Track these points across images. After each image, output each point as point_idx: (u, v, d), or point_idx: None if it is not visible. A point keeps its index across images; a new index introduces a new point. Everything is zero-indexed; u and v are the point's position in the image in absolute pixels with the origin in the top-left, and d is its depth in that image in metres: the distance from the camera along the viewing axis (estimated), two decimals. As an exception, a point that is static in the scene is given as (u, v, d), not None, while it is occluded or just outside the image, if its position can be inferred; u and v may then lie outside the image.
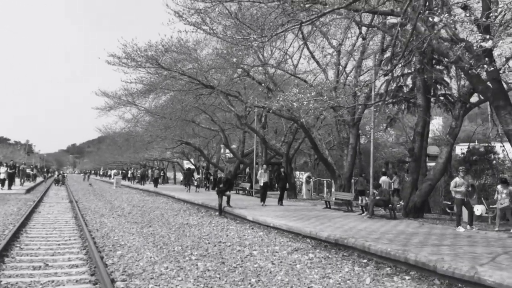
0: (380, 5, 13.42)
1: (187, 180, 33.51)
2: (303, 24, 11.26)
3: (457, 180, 12.46)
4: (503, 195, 12.54)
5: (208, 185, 33.76)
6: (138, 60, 20.05)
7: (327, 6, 10.33)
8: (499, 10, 12.62)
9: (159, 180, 42.78)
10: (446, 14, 9.61)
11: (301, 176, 31.23)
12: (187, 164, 55.67)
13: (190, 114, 28.47)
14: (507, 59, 16.04)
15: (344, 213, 16.62)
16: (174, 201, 25.16)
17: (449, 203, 17.18)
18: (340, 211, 17.37)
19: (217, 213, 17.05)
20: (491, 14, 11.65)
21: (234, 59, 16.52)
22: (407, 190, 16.18)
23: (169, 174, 60.75)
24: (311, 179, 28.32)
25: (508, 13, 12.04)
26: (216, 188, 17.46)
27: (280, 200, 19.93)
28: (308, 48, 19.17)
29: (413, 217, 15.34)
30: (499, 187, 12.84)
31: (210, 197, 18.41)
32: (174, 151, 47.94)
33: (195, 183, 35.33)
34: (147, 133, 36.47)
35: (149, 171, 51.56)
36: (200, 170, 39.60)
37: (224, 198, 16.99)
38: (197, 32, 14.38)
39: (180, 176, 49.50)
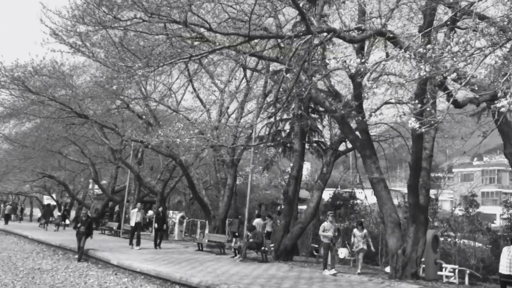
0: (266, 50, 13.95)
1: (46, 218, 30.03)
2: (191, 59, 11.09)
3: (325, 224, 13.06)
4: (359, 238, 13.47)
5: (64, 223, 30.52)
6: (1, 80, 17.78)
7: (217, 44, 10.31)
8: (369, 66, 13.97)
9: (11, 217, 37.69)
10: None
11: (175, 216, 30.18)
12: (47, 200, 50.30)
13: (57, 145, 25.84)
14: (370, 114, 17.80)
15: (216, 256, 16.27)
16: (27, 241, 22.13)
17: (317, 246, 17.96)
18: (213, 253, 16.98)
19: (76, 256, 15.23)
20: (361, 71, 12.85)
21: (114, 87, 15.56)
22: (279, 233, 16.51)
23: (27, 210, 54.25)
24: (185, 219, 27.50)
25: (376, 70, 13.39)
26: (76, 228, 15.59)
27: (159, 242, 18.37)
28: (193, 86, 19.06)
29: (283, 260, 15.62)
30: (355, 230, 13.76)
31: (71, 237, 16.55)
32: (34, 185, 43.01)
33: (56, 221, 31.82)
34: (3, 162, 32.19)
35: (1, 205, 45.33)
36: (62, 207, 35.95)
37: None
38: (75, 55, 13.26)
39: (38, 213, 44.37)
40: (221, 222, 20.04)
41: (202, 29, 10.02)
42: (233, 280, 10.26)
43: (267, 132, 19.40)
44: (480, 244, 13.86)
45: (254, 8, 8.64)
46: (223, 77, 19.63)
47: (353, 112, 13.25)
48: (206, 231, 21.43)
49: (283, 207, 26.73)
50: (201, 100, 19.54)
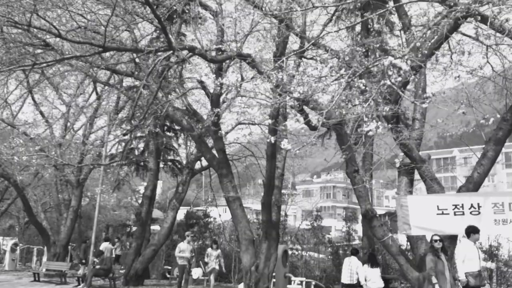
0: (120, 64, 13.27)
1: None
2: (34, 68, 9.91)
3: (181, 245, 12.80)
4: (212, 258, 13.53)
5: None
6: None
7: (66, 53, 9.41)
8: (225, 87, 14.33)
9: None
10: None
11: (6, 243, 26.35)
12: None
13: None
14: (227, 133, 18.21)
15: (56, 286, 14.69)
16: None
17: (170, 267, 17.49)
18: (52, 283, 15.28)
19: None
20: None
21: None
22: (130, 256, 15.64)
23: None
24: (18, 247, 24.20)
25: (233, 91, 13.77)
26: None
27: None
28: (33, 98, 17.05)
29: (134, 285, 14.83)
30: (209, 250, 13.81)
31: None
32: None
33: None
34: None
35: None
36: None
37: None
38: None
39: None
40: (63, 248, 18.15)
41: (48, 36, 9.05)
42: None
43: (120, 150, 18.38)
44: (323, 256, 15.11)
45: (111, 18, 8.09)
46: (70, 90, 18.04)
47: (211, 129, 13.36)
48: (44, 258, 19.16)
49: (134, 228, 25.49)
50: (42, 114, 17.58)
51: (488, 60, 8.87)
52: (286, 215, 17.19)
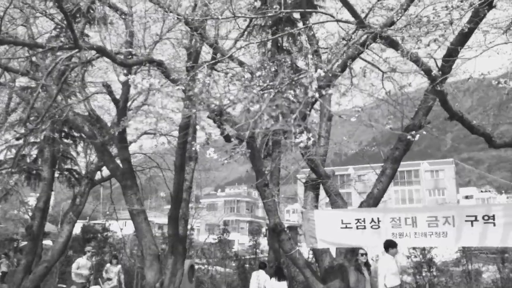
0: (13, 61, 12.07)
1: None
2: None
3: (80, 260, 11.76)
4: (112, 274, 12.64)
5: None
6: None
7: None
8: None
9: None
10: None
11: None
12: None
13: None
14: (131, 142, 17.37)
15: None
16: None
17: (64, 286, 16.07)
18: None
19: None
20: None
21: None
22: (19, 274, 14.05)
23: None
24: None
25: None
26: None
27: None
28: None
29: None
30: (108, 265, 12.91)
31: None
32: None
33: None
34: None
35: None
36: None
37: None
38: None
39: None
40: None
41: None
42: None
43: (9, 156, 16.57)
44: (229, 270, 14.95)
45: (8, 7, 7.25)
46: None
47: (116, 138, 12.62)
48: None
49: (23, 243, 23.08)
50: None
51: (384, 85, 9.47)
52: (192, 228, 16.77)
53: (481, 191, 76.02)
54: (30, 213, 31.41)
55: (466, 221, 8.41)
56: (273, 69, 7.72)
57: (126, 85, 12.72)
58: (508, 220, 8.02)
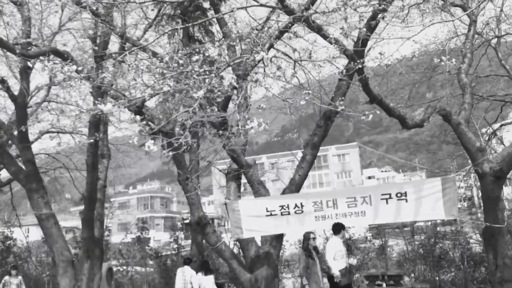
0: None
1: None
2: None
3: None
4: (13, 287, 11.64)
5: None
6: None
7: None
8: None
9: None
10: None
11: None
12: None
13: None
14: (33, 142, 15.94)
15: None
16: None
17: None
18: None
19: None
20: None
21: None
22: None
23: None
24: None
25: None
26: None
27: None
28: None
29: None
30: (7, 278, 11.81)
31: None
32: None
33: None
34: None
35: None
36: None
37: None
38: None
39: None
40: None
41: None
42: None
43: None
44: (150, 269, 14.40)
45: None
46: None
47: (16, 137, 11.41)
48: None
49: None
50: None
51: (296, 74, 9.62)
52: (108, 229, 15.85)
53: (382, 171, 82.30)
54: None
55: (381, 199, 8.92)
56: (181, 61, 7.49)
57: (25, 80, 11.57)
58: (418, 195, 8.64)
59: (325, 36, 6.44)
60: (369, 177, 71.26)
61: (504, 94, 14.24)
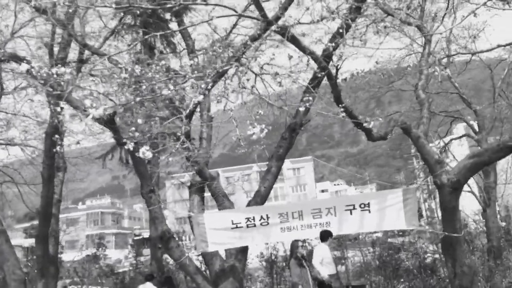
0: None
1: None
2: None
3: None
4: None
5: None
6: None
7: None
8: None
9: None
10: None
11: None
12: None
13: None
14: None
15: None
16: None
17: None
18: None
19: None
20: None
21: None
22: None
23: None
24: None
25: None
26: None
27: None
28: None
29: None
30: None
31: None
32: None
33: None
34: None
35: None
36: None
37: None
38: None
39: None
40: None
41: None
42: None
43: None
44: (107, 287, 13.82)
45: None
46: None
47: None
48: None
49: None
50: None
51: (255, 86, 9.67)
52: (61, 246, 15.08)
53: (334, 185, 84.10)
54: None
55: (345, 210, 9.10)
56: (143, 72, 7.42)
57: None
58: (380, 206, 8.90)
59: (299, 47, 6.56)
60: (322, 191, 72.61)
61: (454, 110, 15.08)
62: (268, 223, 9.40)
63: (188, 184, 11.78)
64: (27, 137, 16.79)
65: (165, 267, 13.97)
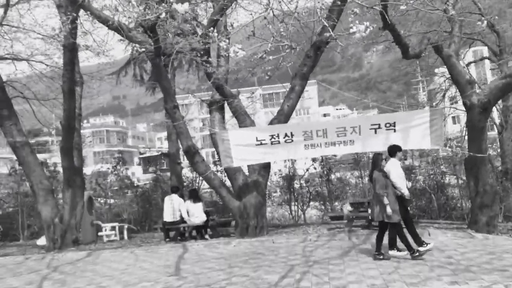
0: None
1: None
2: None
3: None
4: None
5: None
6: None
7: None
8: None
9: None
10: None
11: None
12: None
13: None
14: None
15: None
16: None
17: None
18: None
19: None
20: None
21: None
22: None
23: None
24: None
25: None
26: None
27: None
28: None
29: None
30: None
31: None
32: None
33: None
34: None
35: None
36: None
37: None
38: None
39: None
40: None
41: None
42: None
43: None
44: (127, 200, 14.27)
45: None
46: None
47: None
48: None
49: None
50: None
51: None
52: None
53: (337, 109, 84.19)
54: None
55: (370, 129, 9.17)
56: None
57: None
58: (406, 126, 8.94)
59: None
60: (324, 115, 72.76)
61: (475, 32, 14.61)
62: (292, 140, 9.52)
63: (208, 101, 11.75)
64: (33, 52, 16.47)
65: (184, 181, 14.37)
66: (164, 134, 69.14)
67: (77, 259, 9.10)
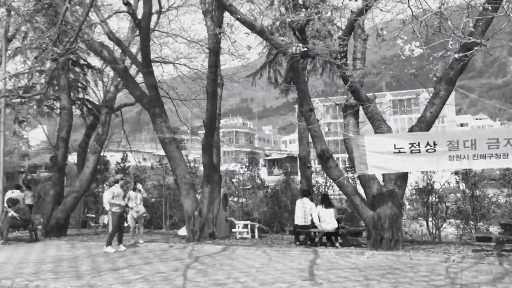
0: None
1: None
2: None
3: (114, 190, 11.01)
4: (138, 201, 11.75)
5: None
6: None
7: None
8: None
9: None
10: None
11: None
12: None
13: None
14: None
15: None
16: None
17: (94, 215, 15.87)
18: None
19: None
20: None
21: None
22: (49, 205, 13.76)
23: None
24: None
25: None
26: None
27: None
28: None
29: (56, 236, 13.20)
30: (131, 193, 11.64)
31: None
32: None
33: None
34: None
35: None
36: None
37: None
38: None
39: None
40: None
41: None
42: (10, 272, 7.80)
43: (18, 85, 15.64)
44: (258, 200, 14.78)
45: None
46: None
47: (139, 62, 11.70)
48: None
49: (30, 176, 22.66)
50: None
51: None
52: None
53: (476, 119, 76.77)
54: (31, 147, 30.69)
55: (529, 142, 8.11)
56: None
57: (147, 3, 11.62)
58: None
59: None
60: (461, 124, 66.81)
61: None
62: (434, 150, 8.86)
63: (343, 106, 11.53)
64: (178, 56, 17.98)
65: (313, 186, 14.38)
66: (288, 137, 70.25)
67: (214, 252, 9.67)
